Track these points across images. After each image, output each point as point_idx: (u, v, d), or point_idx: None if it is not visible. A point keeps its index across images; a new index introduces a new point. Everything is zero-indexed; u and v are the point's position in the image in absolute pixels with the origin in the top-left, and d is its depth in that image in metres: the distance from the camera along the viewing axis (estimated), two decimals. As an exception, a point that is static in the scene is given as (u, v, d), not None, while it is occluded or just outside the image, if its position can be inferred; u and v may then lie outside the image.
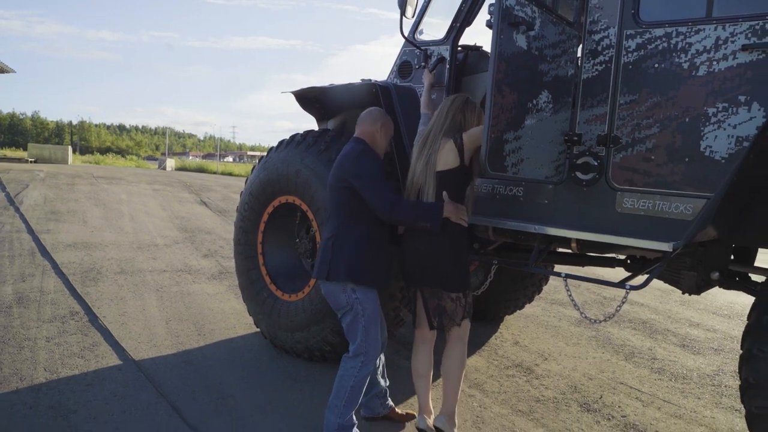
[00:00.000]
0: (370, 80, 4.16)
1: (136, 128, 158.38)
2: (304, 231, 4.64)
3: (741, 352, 2.91)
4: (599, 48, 3.26)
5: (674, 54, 2.98)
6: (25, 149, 40.04)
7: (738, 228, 3.19)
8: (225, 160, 75.52)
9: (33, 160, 27.81)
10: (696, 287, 3.54)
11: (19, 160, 27.81)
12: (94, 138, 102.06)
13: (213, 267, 7.64)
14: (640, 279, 3.23)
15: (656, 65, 3.04)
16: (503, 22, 2.86)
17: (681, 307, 7.11)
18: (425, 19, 4.43)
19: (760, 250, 3.78)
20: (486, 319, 5.80)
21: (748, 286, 3.57)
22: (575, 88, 3.39)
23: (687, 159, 2.96)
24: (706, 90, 2.89)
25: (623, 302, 3.29)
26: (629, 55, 3.13)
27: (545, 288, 6.08)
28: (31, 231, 8.98)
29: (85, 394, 3.70)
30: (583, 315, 3.55)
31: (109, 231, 9.61)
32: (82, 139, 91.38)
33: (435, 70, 4.12)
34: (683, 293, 3.67)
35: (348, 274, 3.09)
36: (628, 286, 3.18)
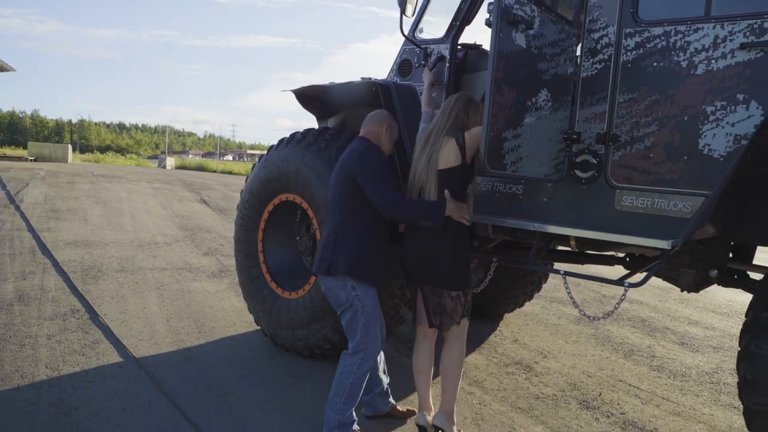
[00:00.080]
0: (370, 79, 4.17)
1: (136, 127, 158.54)
2: (304, 229, 4.65)
3: (739, 349, 2.93)
4: (598, 46, 3.27)
5: (673, 52, 2.99)
6: (24, 148, 40.03)
7: (736, 226, 3.20)
8: (225, 158, 75.57)
9: (33, 158, 27.79)
10: (695, 285, 3.55)
11: (19, 159, 27.80)
12: (93, 136, 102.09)
13: (213, 265, 7.66)
14: (639, 276, 3.25)
15: (655, 64, 3.06)
16: (502, 21, 2.87)
17: (680, 305, 7.12)
18: (425, 17, 4.45)
19: (759, 248, 3.79)
20: (486, 317, 5.82)
21: (746, 284, 3.59)
22: (574, 86, 3.41)
23: (685, 157, 2.97)
24: (704, 88, 2.90)
25: (622, 299, 3.31)
26: (628, 53, 3.15)
27: (545, 286, 6.09)
28: (31, 229, 8.99)
29: (86, 391, 3.71)
30: (582, 313, 3.56)
31: (109, 229, 9.62)
32: (81, 137, 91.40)
33: (435, 69, 4.13)
34: (682, 291, 3.69)
35: (348, 269, 3.10)
36: (626, 284, 3.19)
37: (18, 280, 6.13)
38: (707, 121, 2.89)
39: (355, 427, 3.25)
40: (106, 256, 7.63)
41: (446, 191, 3.11)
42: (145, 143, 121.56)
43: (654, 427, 3.78)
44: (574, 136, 3.32)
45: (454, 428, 3.29)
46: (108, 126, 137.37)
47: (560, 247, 4.02)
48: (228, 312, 5.64)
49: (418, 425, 3.32)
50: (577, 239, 3.50)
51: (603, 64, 3.25)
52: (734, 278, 3.65)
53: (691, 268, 3.52)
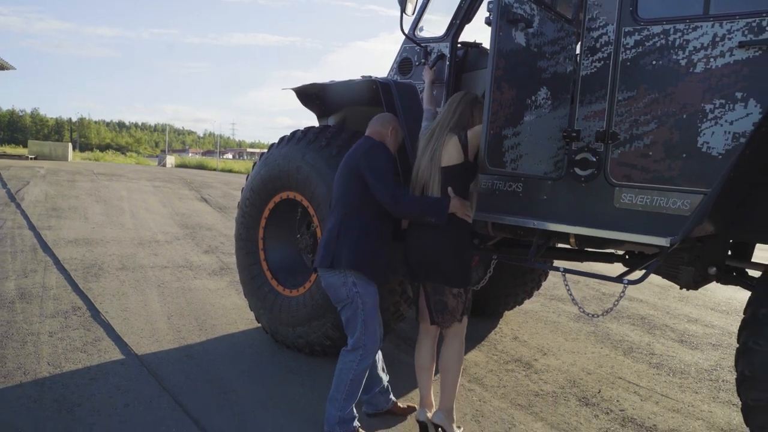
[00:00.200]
0: (371, 77, 4.19)
1: (136, 125, 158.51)
2: (305, 227, 4.66)
3: (737, 346, 2.95)
4: (598, 45, 3.28)
5: (672, 51, 3.01)
6: (24, 146, 40.00)
7: (735, 223, 3.22)
8: (225, 156, 75.56)
9: (33, 156, 27.78)
10: (693, 282, 3.57)
11: (20, 157, 27.79)
12: (93, 135, 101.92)
13: (214, 263, 7.68)
14: (638, 274, 3.27)
15: (654, 62, 3.07)
16: (502, 20, 2.88)
17: (679, 303, 7.14)
18: (425, 16, 4.46)
19: (757, 246, 3.81)
20: (485, 315, 5.84)
21: (744, 281, 3.61)
22: (574, 84, 3.42)
23: (684, 155, 2.99)
24: (703, 86, 2.92)
25: (621, 296, 3.33)
26: (627, 51, 3.16)
27: (544, 284, 6.11)
28: (32, 227, 9.00)
29: (88, 388, 3.73)
30: (582, 310, 3.59)
31: (110, 227, 9.64)
32: (81, 136, 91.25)
33: (435, 67, 4.14)
34: (681, 288, 3.71)
35: (351, 263, 3.12)
36: (626, 281, 3.21)
37: (19, 278, 6.15)
38: (706, 119, 2.91)
39: (356, 423, 3.27)
40: (107, 254, 7.65)
41: (449, 188, 3.13)
42: (145, 141, 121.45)
43: (653, 424, 3.80)
44: (574, 134, 3.34)
45: (454, 425, 3.31)
46: (108, 124, 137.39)
47: (560, 245, 4.03)
48: (229, 309, 5.66)
49: (418, 421, 3.34)
50: (577, 237, 3.52)
51: (602, 62, 3.26)
52: (733, 275, 3.68)
53: (690, 266, 3.54)
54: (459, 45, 4.22)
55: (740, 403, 2.92)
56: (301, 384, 4.04)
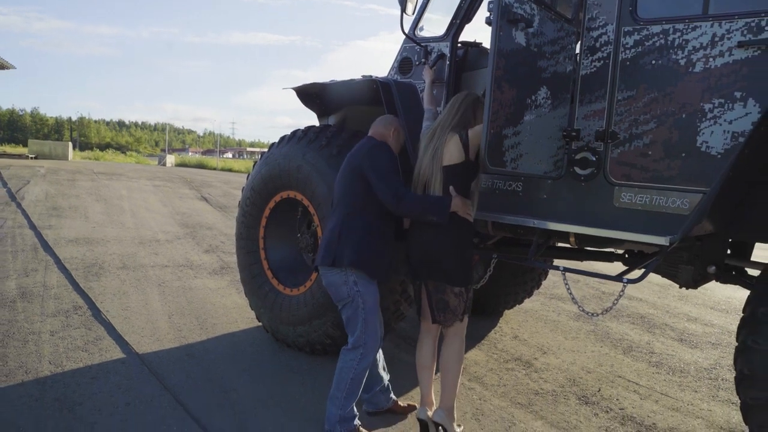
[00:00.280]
0: (371, 76, 4.20)
1: (136, 124, 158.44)
2: (305, 226, 4.68)
3: (737, 344, 2.96)
4: (597, 45, 3.29)
5: (671, 50, 3.02)
6: (24, 145, 40.02)
7: (734, 223, 3.23)
8: (224, 156, 75.51)
9: (33, 156, 27.79)
10: (693, 281, 3.59)
11: (20, 156, 27.80)
12: (93, 134, 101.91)
13: (214, 262, 7.69)
14: (638, 273, 3.28)
15: (653, 62, 3.08)
16: (502, 19, 2.89)
17: (679, 302, 7.15)
18: (425, 15, 4.47)
19: (757, 245, 3.82)
20: (485, 314, 5.85)
21: (744, 280, 3.62)
22: (573, 84, 3.43)
23: (684, 154, 2.99)
24: (702, 86, 2.93)
25: (621, 295, 3.34)
26: (627, 51, 3.17)
27: (544, 283, 6.12)
28: (33, 226, 9.02)
29: (89, 387, 3.75)
30: (582, 309, 3.59)
31: (110, 226, 9.65)
32: (81, 135, 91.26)
33: (435, 67, 4.15)
34: (680, 287, 3.72)
35: (352, 261, 3.13)
36: (625, 280, 3.22)
37: (20, 277, 6.16)
38: (705, 118, 2.92)
39: (356, 421, 3.28)
40: (108, 253, 7.66)
41: (451, 187, 3.14)
42: (145, 141, 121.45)
43: (653, 422, 3.81)
44: (574, 134, 3.35)
45: (455, 424, 3.32)
46: (108, 123, 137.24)
47: (560, 244, 4.05)
48: (229, 309, 5.67)
49: (419, 419, 3.35)
50: (577, 236, 3.53)
51: (602, 62, 3.27)
52: (732, 274, 3.69)
53: (689, 265, 3.55)
54: (459, 44, 4.23)
55: (739, 401, 2.93)
56: (302, 383, 4.05)
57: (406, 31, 4.27)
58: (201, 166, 38.42)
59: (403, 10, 3.95)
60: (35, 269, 6.54)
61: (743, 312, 2.98)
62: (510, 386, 4.26)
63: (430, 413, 3.32)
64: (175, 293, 6.04)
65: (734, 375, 2.95)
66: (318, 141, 4.30)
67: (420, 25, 4.44)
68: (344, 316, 3.29)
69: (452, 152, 3.17)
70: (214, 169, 35.59)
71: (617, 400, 4.13)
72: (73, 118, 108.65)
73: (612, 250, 3.92)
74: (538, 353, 5.02)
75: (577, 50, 3.46)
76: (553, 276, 7.43)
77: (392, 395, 3.67)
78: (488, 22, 2.98)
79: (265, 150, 4.90)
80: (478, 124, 3.24)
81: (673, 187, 3.04)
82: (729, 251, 3.74)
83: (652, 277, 3.42)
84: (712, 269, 3.50)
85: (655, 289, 7.69)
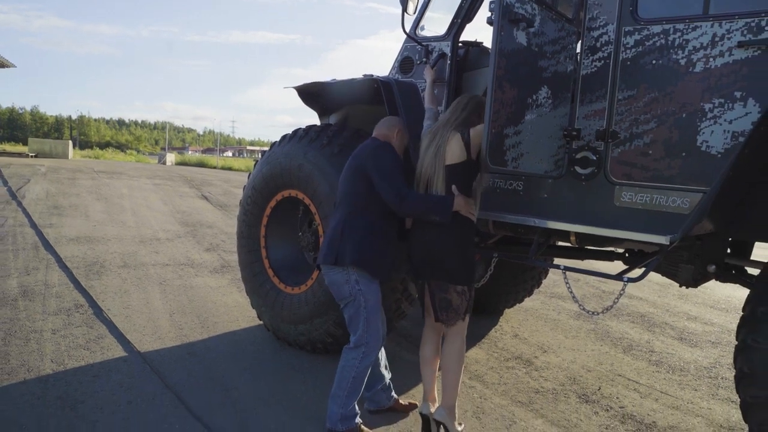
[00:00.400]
0: (372, 75, 4.21)
1: (136, 123, 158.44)
2: (306, 225, 4.69)
3: (736, 343, 2.97)
4: (598, 44, 3.30)
5: (671, 50, 3.03)
6: (24, 144, 40.05)
7: (734, 222, 3.24)
8: (224, 154, 75.45)
9: (34, 154, 27.82)
10: (693, 280, 3.60)
11: (20, 155, 27.82)
12: (93, 132, 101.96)
13: (215, 261, 7.70)
14: (638, 272, 3.29)
15: (654, 61, 3.09)
16: (504, 19, 2.90)
17: (679, 300, 7.17)
18: (426, 14, 4.47)
19: (756, 244, 3.83)
20: (486, 312, 5.86)
21: (744, 279, 3.63)
22: (574, 83, 3.44)
23: (684, 154, 3.00)
24: (702, 86, 2.93)
25: (621, 294, 3.35)
26: (627, 51, 3.18)
27: (544, 282, 6.13)
28: (34, 225, 9.03)
29: (91, 385, 3.76)
30: (582, 307, 3.60)
31: (111, 225, 9.66)
32: (81, 133, 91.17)
33: (436, 66, 4.16)
34: (680, 286, 3.73)
35: (354, 260, 3.14)
36: (626, 279, 3.23)
37: (22, 276, 6.17)
38: (705, 118, 2.93)
39: (358, 420, 3.29)
40: (109, 251, 7.68)
41: (453, 186, 3.15)
42: (145, 139, 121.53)
43: (653, 421, 3.82)
44: (574, 133, 3.35)
45: (456, 423, 3.33)
46: (108, 122, 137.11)
47: (560, 243, 4.06)
48: (230, 307, 5.68)
49: (421, 414, 3.37)
50: (577, 235, 3.54)
51: (603, 61, 3.28)
52: (732, 273, 3.70)
53: (689, 264, 3.56)
54: (460, 44, 4.23)
55: (739, 400, 2.94)
56: (303, 381, 4.06)
57: (407, 31, 4.27)
58: (201, 164, 38.44)
59: (405, 9, 3.95)
60: (36, 268, 6.55)
61: (743, 311, 2.99)
62: (510, 384, 4.27)
63: (432, 409, 3.33)
64: (176, 292, 6.05)
65: (734, 373, 2.96)
66: (319, 140, 4.31)
67: (421, 24, 4.45)
68: (346, 315, 3.30)
69: (454, 151, 3.18)
70: (215, 167, 35.61)
71: (617, 398, 4.15)
72: (73, 117, 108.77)
73: (612, 249, 3.94)
74: (538, 352, 5.03)
75: (578, 50, 3.46)
76: (553, 275, 7.45)
77: (393, 393, 3.68)
78: (489, 21, 3.00)
79: (266, 149, 4.90)
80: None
81: (673, 186, 3.05)
82: (729, 250, 3.75)
83: (652, 275, 3.43)
84: (712, 268, 3.51)
85: (655, 288, 7.71)
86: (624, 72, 3.19)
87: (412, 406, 3.69)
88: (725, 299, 7.31)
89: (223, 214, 12.21)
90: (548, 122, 3.32)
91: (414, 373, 4.14)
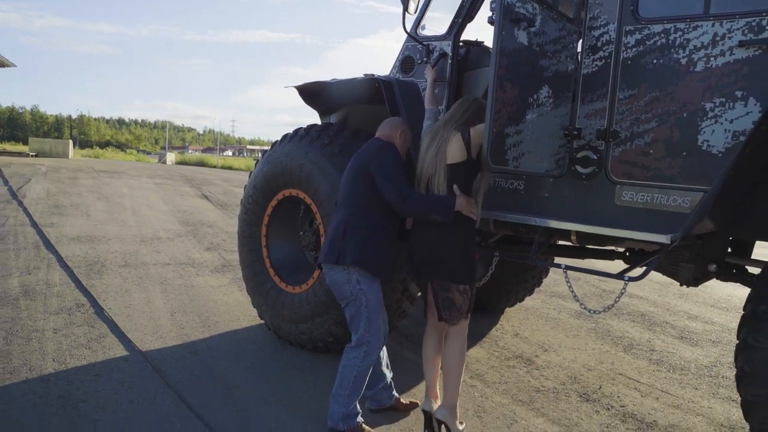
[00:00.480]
0: (373, 75, 4.21)
1: (135, 122, 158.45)
2: (307, 224, 4.69)
3: (737, 342, 2.98)
4: (599, 44, 3.31)
5: (672, 50, 3.03)
6: (24, 143, 40.08)
7: (735, 221, 3.25)
8: (224, 154, 75.46)
9: (34, 153, 27.84)
10: (694, 279, 3.60)
11: (20, 154, 27.83)
12: (93, 132, 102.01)
13: (216, 260, 7.71)
14: (639, 271, 3.29)
15: (655, 61, 3.10)
16: (505, 19, 2.91)
17: (679, 299, 7.17)
18: (427, 14, 4.47)
19: (757, 243, 3.84)
20: (487, 311, 5.87)
21: (744, 278, 3.64)
22: (575, 83, 3.44)
23: (685, 153, 3.01)
24: (703, 85, 2.94)
25: (622, 293, 3.35)
26: (628, 50, 3.18)
27: (545, 281, 6.14)
28: (34, 224, 9.03)
29: (93, 384, 3.76)
30: (583, 306, 3.61)
31: (112, 224, 9.67)
32: (81, 133, 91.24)
33: (437, 66, 4.16)
34: (681, 285, 3.74)
35: (356, 260, 3.15)
36: (626, 278, 3.23)
37: (23, 275, 6.17)
38: (706, 117, 2.93)
39: (359, 419, 3.30)
40: (110, 251, 7.68)
41: (455, 186, 3.15)
42: (145, 138, 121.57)
43: (653, 420, 3.83)
44: (575, 132, 3.36)
45: (457, 422, 3.34)
46: (107, 121, 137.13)
47: (561, 242, 4.06)
48: (231, 306, 5.69)
49: (423, 411, 3.38)
50: (578, 234, 3.55)
51: (603, 61, 3.29)
52: (733, 272, 3.70)
53: (690, 263, 3.57)
54: (461, 43, 4.24)
55: (740, 399, 2.95)
56: (304, 380, 4.07)
57: (408, 30, 4.27)
58: (201, 164, 38.46)
59: (406, 8, 3.96)
60: (37, 267, 6.56)
61: (744, 310, 2.99)
62: (511, 383, 4.28)
63: (434, 405, 3.34)
64: (177, 291, 6.06)
65: (734, 372, 2.96)
66: (320, 139, 4.31)
67: (422, 23, 4.45)
68: (348, 315, 3.30)
69: (454, 150, 3.18)
70: (215, 167, 35.62)
71: (618, 397, 4.15)
72: (73, 116, 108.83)
73: (613, 248, 3.94)
74: (539, 351, 5.04)
75: (579, 49, 3.47)
76: (553, 274, 7.46)
77: (395, 392, 3.68)
78: (491, 21, 3.00)
79: (265, 148, 4.93)
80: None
81: (674, 185, 3.05)
82: (730, 249, 3.75)
83: (653, 275, 3.44)
84: (712, 267, 3.52)
85: (656, 287, 7.71)
86: (625, 71, 3.20)
87: (413, 405, 3.69)
88: (726, 298, 7.31)
89: (224, 214, 12.21)
90: (549, 121, 3.32)
91: (415, 372, 4.16)
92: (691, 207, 2.98)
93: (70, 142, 33.23)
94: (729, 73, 2.86)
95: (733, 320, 6.31)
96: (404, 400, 3.73)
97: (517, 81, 3.03)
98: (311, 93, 4.91)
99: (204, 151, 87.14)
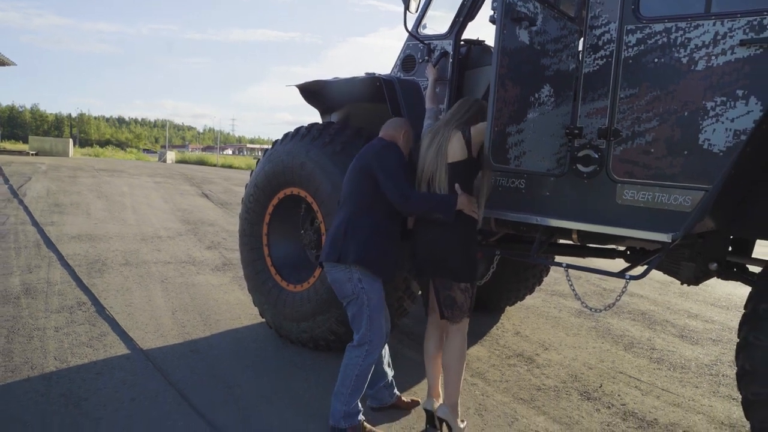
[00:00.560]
0: (374, 74, 4.21)
1: (136, 121, 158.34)
2: (308, 222, 4.70)
3: (738, 341, 2.98)
4: (600, 43, 3.31)
5: (673, 49, 3.04)
6: (24, 142, 40.08)
7: (736, 220, 3.25)
8: (225, 152, 75.39)
9: (34, 152, 27.84)
10: (694, 278, 3.61)
11: (20, 153, 27.84)
12: (93, 130, 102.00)
13: (216, 258, 7.71)
14: (640, 269, 3.30)
15: (656, 60, 3.10)
16: (506, 18, 2.91)
17: (680, 298, 7.18)
18: (428, 13, 4.48)
19: (758, 242, 3.84)
20: (487, 310, 5.87)
21: (745, 277, 3.64)
22: (576, 82, 3.44)
23: (686, 152, 3.02)
24: (704, 84, 2.94)
25: (623, 292, 3.36)
26: (629, 49, 3.19)
27: (545, 279, 6.14)
28: (35, 223, 9.04)
29: (95, 383, 3.77)
30: (584, 304, 3.61)
31: (112, 223, 9.67)
32: (81, 131, 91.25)
33: (438, 65, 4.17)
34: (682, 284, 3.74)
35: (357, 259, 3.15)
36: (627, 276, 3.24)
37: (24, 274, 6.18)
38: (707, 116, 2.94)
39: (361, 417, 3.30)
40: (111, 249, 7.69)
41: (456, 185, 3.16)
42: (145, 137, 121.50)
43: (654, 418, 3.84)
44: (576, 131, 3.36)
45: (458, 420, 3.35)
46: (107, 120, 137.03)
47: (562, 241, 4.06)
48: (232, 305, 5.69)
49: (425, 410, 3.39)
50: (579, 233, 3.55)
51: (604, 60, 3.29)
52: (734, 271, 3.71)
53: (691, 262, 3.57)
54: (462, 42, 4.24)
55: (740, 397, 2.95)
56: (306, 378, 4.07)
57: (410, 29, 4.27)
58: (201, 162, 38.46)
59: (407, 7, 3.96)
60: (38, 266, 6.57)
61: (744, 308, 3.00)
62: (512, 382, 4.28)
63: (435, 404, 3.35)
64: (178, 289, 6.06)
65: (735, 371, 2.97)
66: (321, 138, 4.31)
67: (423, 22, 4.46)
68: (349, 313, 3.31)
69: (455, 149, 3.18)
70: (215, 165, 35.62)
71: (619, 395, 4.16)
72: (73, 115, 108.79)
73: (614, 246, 3.94)
74: (539, 349, 5.04)
75: (580, 48, 3.47)
76: (554, 272, 7.46)
77: (396, 391, 3.69)
78: (492, 20, 3.01)
79: (266, 146, 4.94)
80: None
81: (675, 184, 3.06)
82: (730, 248, 3.76)
83: (653, 273, 3.44)
84: (713, 266, 3.52)
85: (656, 285, 7.72)
86: (626, 70, 3.20)
87: (414, 403, 3.70)
88: (726, 297, 7.32)
89: (224, 212, 12.22)
90: (550, 120, 3.32)
91: (416, 371, 4.17)
92: (692, 206, 2.98)
93: (71, 140, 33.22)
94: (730, 72, 2.86)
95: (734, 319, 6.32)
96: (405, 398, 3.73)
97: (518, 80, 3.03)
98: (312, 92, 4.91)
99: (204, 149, 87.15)
